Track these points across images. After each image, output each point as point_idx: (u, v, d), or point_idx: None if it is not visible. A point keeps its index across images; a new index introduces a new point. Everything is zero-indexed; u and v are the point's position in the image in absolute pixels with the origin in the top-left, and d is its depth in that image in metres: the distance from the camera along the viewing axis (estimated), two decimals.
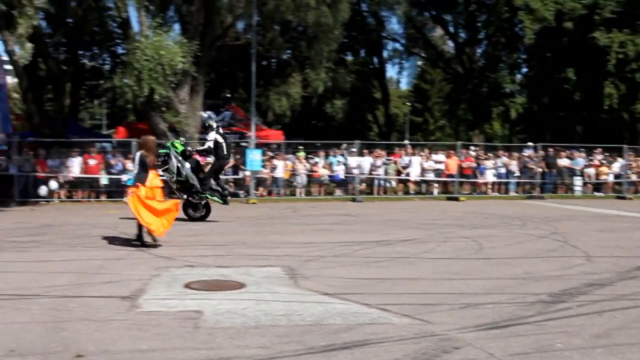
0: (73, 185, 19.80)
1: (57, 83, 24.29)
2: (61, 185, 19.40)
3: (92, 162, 19.58)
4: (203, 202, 14.24)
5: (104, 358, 4.81)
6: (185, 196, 13.99)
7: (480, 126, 34.35)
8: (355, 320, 5.95)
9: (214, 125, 14.49)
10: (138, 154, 10.64)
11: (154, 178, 10.48)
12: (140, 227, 10.25)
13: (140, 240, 10.27)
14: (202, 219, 14.22)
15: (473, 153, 23.69)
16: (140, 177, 10.28)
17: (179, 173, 13.80)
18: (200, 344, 5.18)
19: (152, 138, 11.30)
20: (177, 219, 11.08)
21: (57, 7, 22.30)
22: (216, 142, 13.94)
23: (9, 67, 22.81)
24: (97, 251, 9.90)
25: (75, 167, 19.49)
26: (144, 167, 10.35)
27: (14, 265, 8.57)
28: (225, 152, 14.29)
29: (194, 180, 13.82)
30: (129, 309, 6.27)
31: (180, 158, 13.85)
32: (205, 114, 14.87)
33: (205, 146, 14.16)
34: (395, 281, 7.77)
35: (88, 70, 32.84)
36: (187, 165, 13.88)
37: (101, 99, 39.67)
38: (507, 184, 23.46)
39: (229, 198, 14.87)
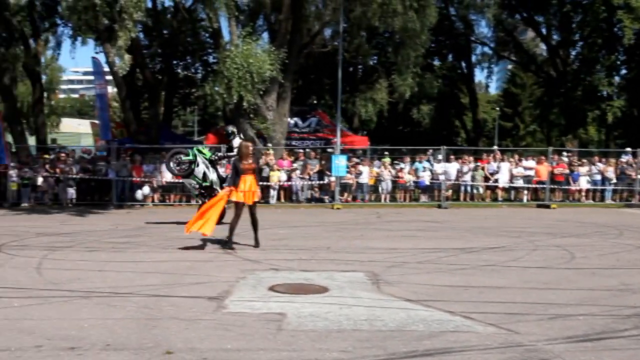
0: (166, 190, 20.63)
1: (152, 92, 25.41)
2: (154, 190, 20.27)
3: None
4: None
5: (192, 355, 4.98)
6: (206, 201, 13.82)
7: (573, 131, 32.97)
8: (438, 327, 5.87)
9: (236, 131, 14.62)
10: (232, 160, 11.01)
11: (250, 182, 10.76)
12: (231, 229, 10.61)
13: (230, 241, 10.59)
14: (218, 222, 14.24)
15: (565, 159, 22.78)
16: (234, 181, 10.65)
17: (204, 178, 13.77)
18: (282, 345, 5.28)
19: (247, 144, 11.52)
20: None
21: (154, 20, 23.34)
22: None
23: (109, 77, 24.13)
24: (187, 253, 10.28)
25: (168, 172, 20.25)
26: (237, 172, 10.69)
27: (110, 265, 9.04)
28: None
29: (218, 186, 13.76)
30: (215, 310, 6.46)
31: (207, 164, 13.87)
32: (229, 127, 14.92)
33: (235, 152, 13.85)
34: (481, 289, 7.60)
35: (181, 79, 34.23)
36: (213, 171, 13.91)
37: (193, 107, 41.16)
38: (602, 191, 22.38)
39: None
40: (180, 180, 19.01)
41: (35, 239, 11.85)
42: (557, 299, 7.14)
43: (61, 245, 11.00)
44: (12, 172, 19.52)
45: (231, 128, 14.90)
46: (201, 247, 10.85)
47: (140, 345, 5.23)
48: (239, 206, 10.68)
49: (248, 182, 10.63)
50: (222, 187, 13.77)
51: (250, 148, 11.32)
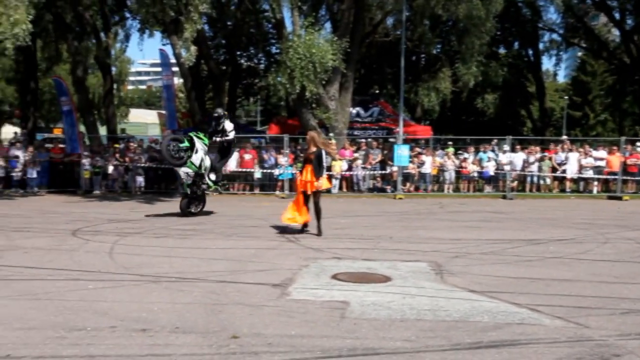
0: (229, 179, 21.00)
1: (217, 82, 25.86)
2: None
3: (247, 156, 20.65)
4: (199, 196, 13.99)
5: (257, 340, 5.08)
6: (189, 190, 13.77)
7: None
8: (503, 319, 5.78)
9: (225, 113, 14.14)
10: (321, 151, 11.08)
11: (308, 172, 10.95)
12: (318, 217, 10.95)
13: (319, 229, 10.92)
14: (198, 213, 14.02)
15: (639, 149, 21.86)
16: (320, 171, 10.96)
17: (200, 166, 13.35)
18: (345, 333, 5.31)
19: (312, 133, 11.65)
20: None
21: (218, 11, 23.71)
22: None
23: (175, 68, 24.69)
24: (251, 241, 10.46)
25: (232, 161, 20.66)
26: (321, 161, 10.95)
27: (177, 251, 9.31)
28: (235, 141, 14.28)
29: (209, 173, 13.54)
30: (279, 296, 6.56)
31: (205, 150, 13.41)
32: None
33: (231, 137, 13.79)
34: (548, 282, 7.42)
35: (244, 70, 34.63)
36: (208, 158, 13.51)
37: (256, 97, 41.63)
38: None
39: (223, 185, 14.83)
40: (250, 169, 19.03)
41: (106, 225, 12.31)
42: (629, 293, 6.90)
43: (131, 232, 11.39)
44: (85, 161, 20.32)
45: (220, 110, 14.26)
46: (265, 235, 11.03)
47: (207, 329, 5.37)
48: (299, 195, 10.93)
49: (307, 172, 10.81)
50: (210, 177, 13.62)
51: (316, 137, 11.38)
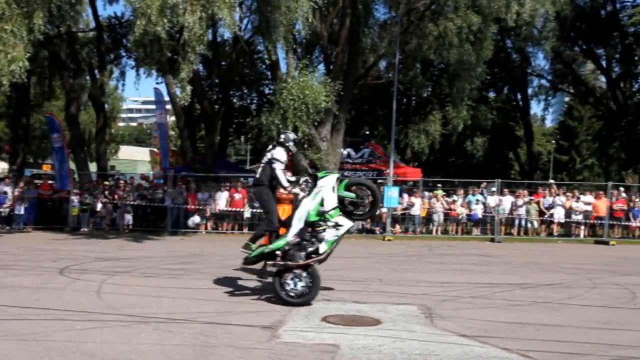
0: (219, 218, 20.98)
1: (210, 121, 25.99)
2: (207, 218, 20.68)
3: (237, 196, 20.67)
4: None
5: None
6: None
7: (634, 165, 32.04)
8: None
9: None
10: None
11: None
12: None
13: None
14: None
15: (624, 194, 22.11)
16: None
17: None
18: None
19: None
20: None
21: (213, 52, 24.00)
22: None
23: (168, 106, 24.87)
24: (241, 281, 10.38)
25: (222, 200, 20.70)
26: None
27: (166, 291, 9.25)
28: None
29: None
30: (269, 339, 6.52)
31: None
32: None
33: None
34: (538, 327, 7.43)
35: (237, 109, 34.88)
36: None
37: (247, 136, 41.83)
38: None
39: None
40: (240, 209, 19.09)
41: (94, 264, 12.22)
42: (618, 339, 6.92)
43: (119, 270, 11.31)
44: (74, 198, 20.23)
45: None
46: (254, 275, 10.96)
47: None
48: None
49: (284, 212, 10.92)
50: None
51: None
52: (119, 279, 10.27)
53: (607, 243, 20.15)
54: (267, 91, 32.08)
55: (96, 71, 26.82)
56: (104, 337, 6.42)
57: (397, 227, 21.07)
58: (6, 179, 21.35)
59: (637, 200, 21.84)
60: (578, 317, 8.13)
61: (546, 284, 10.99)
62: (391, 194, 20.24)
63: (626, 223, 21.65)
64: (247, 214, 20.74)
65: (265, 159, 9.22)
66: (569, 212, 21.58)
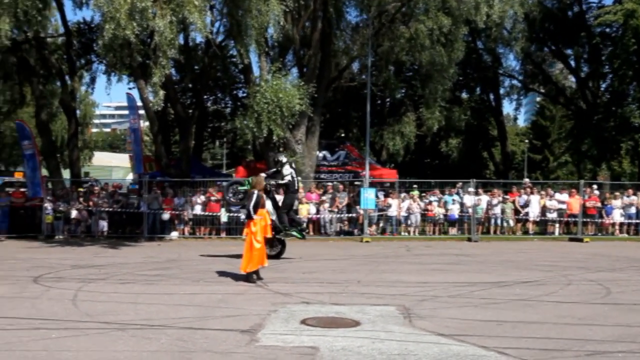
0: (195, 223, 20.83)
1: (184, 126, 25.82)
2: (185, 223, 20.54)
3: (213, 199, 20.54)
4: (277, 238, 14.04)
5: None
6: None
7: (607, 162, 32.59)
8: None
9: (285, 159, 14.51)
10: (255, 193, 11.09)
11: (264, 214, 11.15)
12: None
13: (257, 275, 10.70)
14: (278, 256, 14.01)
15: (597, 192, 22.47)
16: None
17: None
18: None
19: (263, 176, 12.04)
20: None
21: (185, 56, 23.87)
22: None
23: (142, 111, 24.64)
24: (218, 286, 10.35)
25: (197, 205, 20.56)
26: (258, 205, 10.91)
27: (143, 297, 9.15)
28: (296, 187, 14.47)
29: (274, 216, 13.57)
30: (248, 343, 6.49)
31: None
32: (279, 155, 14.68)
33: (285, 180, 14.07)
34: (514, 324, 7.51)
35: (211, 113, 34.70)
36: (268, 201, 13.49)
37: (222, 140, 41.67)
38: (637, 225, 22.00)
39: (305, 232, 14.85)
40: (216, 213, 19.16)
41: (69, 271, 12.05)
42: (594, 335, 7.02)
43: (95, 278, 11.16)
44: (48, 205, 19.95)
45: (280, 156, 14.90)
46: (232, 280, 10.93)
47: None
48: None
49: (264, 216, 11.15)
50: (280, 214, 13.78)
51: (262, 181, 11.73)
52: (95, 286, 10.14)
53: (581, 240, 20.44)
54: (241, 95, 32.02)
55: (67, 77, 26.48)
56: (80, 345, 6.33)
57: (374, 227, 21.13)
58: None
59: (610, 197, 22.19)
60: (554, 314, 8.23)
61: (522, 281, 11.11)
62: (367, 195, 20.31)
63: (599, 220, 21.98)
64: (224, 217, 20.62)
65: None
66: (543, 210, 21.85)
